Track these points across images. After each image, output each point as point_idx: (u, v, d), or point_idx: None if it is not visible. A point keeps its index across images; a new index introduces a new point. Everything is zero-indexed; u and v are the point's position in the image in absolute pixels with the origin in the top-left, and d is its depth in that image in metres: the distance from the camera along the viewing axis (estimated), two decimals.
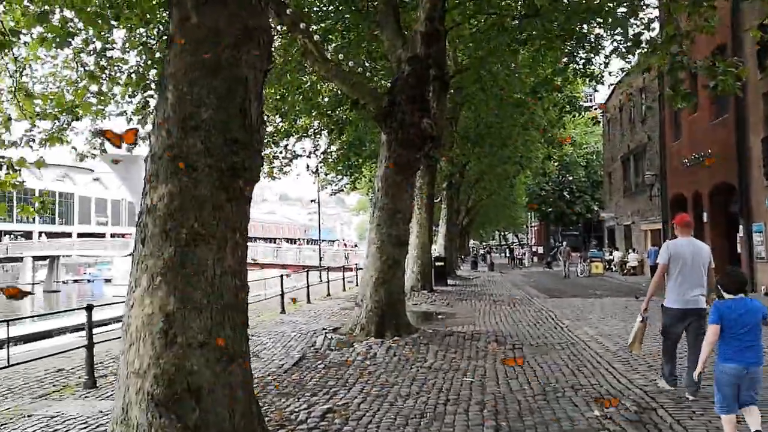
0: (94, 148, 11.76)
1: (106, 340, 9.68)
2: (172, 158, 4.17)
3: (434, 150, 20.33)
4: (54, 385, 7.97)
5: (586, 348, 9.61)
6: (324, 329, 11.20)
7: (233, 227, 4.33)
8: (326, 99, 16.84)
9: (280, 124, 17.26)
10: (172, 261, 4.10)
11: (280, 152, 18.78)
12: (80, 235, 79.05)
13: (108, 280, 58.51)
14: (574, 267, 33.67)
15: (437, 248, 29.30)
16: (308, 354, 9.45)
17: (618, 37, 14.28)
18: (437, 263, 24.13)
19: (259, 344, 10.46)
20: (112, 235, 79.71)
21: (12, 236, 63.90)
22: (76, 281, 68.88)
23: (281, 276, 15.47)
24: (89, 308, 7.88)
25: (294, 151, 19.48)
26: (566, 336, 10.82)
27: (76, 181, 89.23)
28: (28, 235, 68.98)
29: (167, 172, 4.18)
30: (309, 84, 15.28)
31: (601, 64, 18.81)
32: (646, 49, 9.29)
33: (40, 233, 75.04)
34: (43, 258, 58.40)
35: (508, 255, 52.86)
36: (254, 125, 4.44)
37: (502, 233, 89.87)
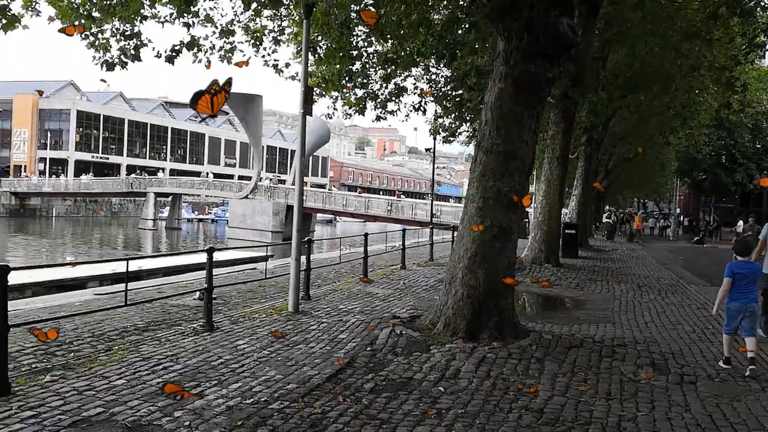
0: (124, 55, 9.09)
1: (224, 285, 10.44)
2: None
3: (574, 90, 16.53)
4: (171, 327, 7.80)
5: None
6: (396, 318, 7.98)
7: None
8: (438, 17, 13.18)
9: (378, 47, 13.74)
10: None
11: (383, 85, 15.33)
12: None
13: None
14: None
15: (569, 213, 25.16)
16: (360, 358, 6.33)
17: None
18: (567, 231, 20.20)
19: (301, 332, 7.48)
20: (240, 177, 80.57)
21: (138, 172, 65.39)
22: (200, 220, 70.04)
23: (365, 235, 12.35)
24: (210, 251, 7.82)
25: (402, 86, 15.87)
26: None
27: (208, 122, 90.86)
28: (156, 172, 70.67)
29: None
30: None
31: None
32: None
33: (171, 171, 77.05)
34: (165, 195, 59.10)
35: (684, 224, 45.54)
36: None
37: (642, 201, 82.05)
